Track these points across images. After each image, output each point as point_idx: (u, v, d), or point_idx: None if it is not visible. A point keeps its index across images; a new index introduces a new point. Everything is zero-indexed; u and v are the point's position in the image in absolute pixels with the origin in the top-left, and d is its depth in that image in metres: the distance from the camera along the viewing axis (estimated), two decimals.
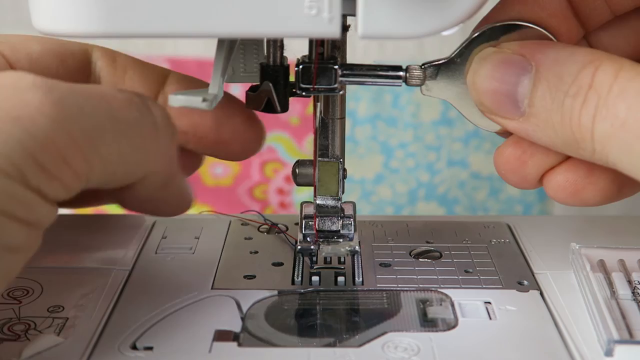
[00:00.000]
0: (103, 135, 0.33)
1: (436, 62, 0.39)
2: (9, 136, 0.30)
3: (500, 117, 0.37)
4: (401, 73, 0.39)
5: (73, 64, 0.42)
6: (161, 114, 0.36)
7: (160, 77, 0.43)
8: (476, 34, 0.38)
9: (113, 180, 0.35)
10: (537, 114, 0.35)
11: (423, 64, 0.39)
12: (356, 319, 0.40)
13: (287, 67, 0.39)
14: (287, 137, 0.78)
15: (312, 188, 0.44)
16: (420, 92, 0.40)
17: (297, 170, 0.43)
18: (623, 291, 0.40)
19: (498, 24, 0.38)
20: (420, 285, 0.42)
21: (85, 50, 0.43)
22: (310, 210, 0.44)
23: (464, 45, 0.38)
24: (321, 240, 0.43)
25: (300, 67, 0.39)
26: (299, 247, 0.43)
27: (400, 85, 0.40)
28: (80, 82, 0.40)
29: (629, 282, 0.41)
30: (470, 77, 0.38)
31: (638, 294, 0.40)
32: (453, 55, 0.39)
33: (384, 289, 0.42)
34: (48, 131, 0.31)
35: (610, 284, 0.41)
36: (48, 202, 0.32)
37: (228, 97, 0.41)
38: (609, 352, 0.36)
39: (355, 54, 0.73)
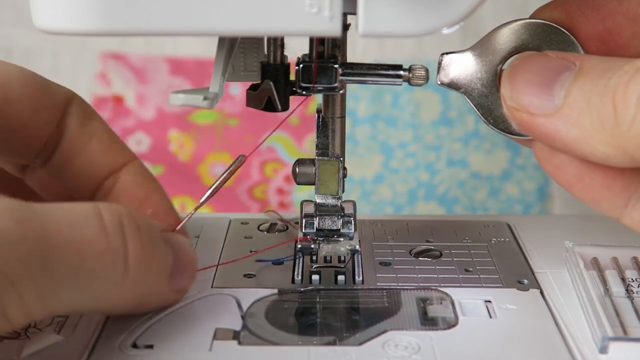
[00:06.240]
0: (61, 284, 0.32)
1: (454, 52, 0.39)
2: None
3: (527, 114, 0.35)
4: (402, 72, 0.39)
5: (46, 116, 0.40)
6: (137, 254, 0.35)
7: (123, 156, 0.41)
8: (497, 28, 0.38)
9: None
10: (574, 103, 0.34)
11: (442, 54, 0.39)
12: (356, 317, 0.40)
13: (288, 66, 0.39)
14: (287, 137, 0.78)
15: (311, 188, 0.44)
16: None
17: (297, 169, 0.43)
18: (617, 289, 0.40)
19: (521, 21, 0.38)
20: (421, 284, 0.42)
21: (66, 100, 0.41)
22: (310, 209, 0.44)
23: (482, 39, 0.38)
24: (321, 239, 0.43)
25: (301, 65, 0.39)
26: (299, 245, 0.43)
27: (401, 85, 0.40)
28: (48, 134, 0.39)
29: (623, 279, 0.41)
30: (507, 70, 0.37)
31: (632, 291, 0.40)
32: (472, 47, 0.38)
33: (384, 287, 0.42)
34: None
35: (604, 281, 0.41)
36: None
37: None
38: (603, 350, 0.36)
39: (355, 52, 0.73)
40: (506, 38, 0.38)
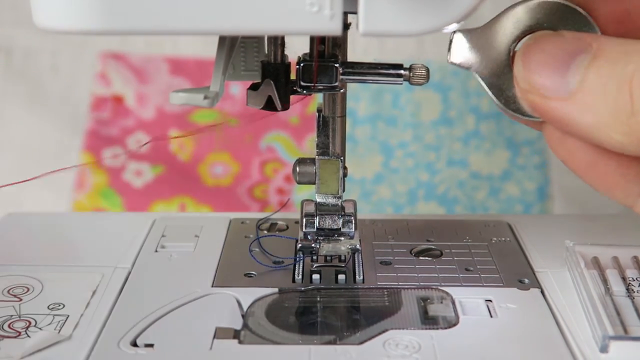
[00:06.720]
0: None
1: (466, 30, 0.37)
2: None
3: (540, 96, 0.34)
4: (402, 71, 0.39)
5: None
6: None
7: None
8: (511, 6, 0.37)
9: None
10: (589, 89, 0.32)
11: (453, 32, 0.38)
12: (357, 316, 0.40)
13: (288, 65, 0.39)
14: (287, 136, 0.78)
15: (312, 188, 0.44)
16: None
17: (297, 168, 0.43)
18: (617, 288, 0.40)
19: (536, 0, 0.37)
20: (421, 283, 0.42)
21: None
22: (311, 208, 0.44)
23: (496, 17, 0.37)
24: (322, 238, 0.43)
25: (301, 65, 0.39)
26: (299, 245, 0.43)
27: (402, 84, 0.40)
28: None
29: (623, 278, 0.41)
30: (520, 51, 0.35)
31: (632, 290, 0.40)
32: (485, 25, 0.37)
33: (385, 286, 0.42)
34: None
35: (605, 280, 0.41)
36: None
37: None
38: (604, 348, 0.36)
39: (355, 51, 0.73)
40: (521, 17, 0.37)
